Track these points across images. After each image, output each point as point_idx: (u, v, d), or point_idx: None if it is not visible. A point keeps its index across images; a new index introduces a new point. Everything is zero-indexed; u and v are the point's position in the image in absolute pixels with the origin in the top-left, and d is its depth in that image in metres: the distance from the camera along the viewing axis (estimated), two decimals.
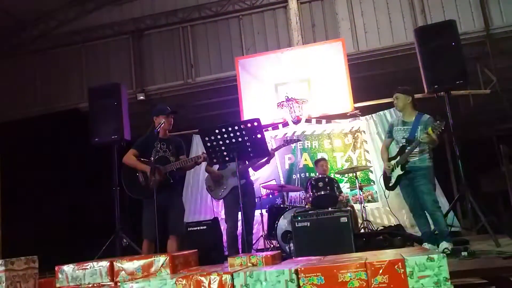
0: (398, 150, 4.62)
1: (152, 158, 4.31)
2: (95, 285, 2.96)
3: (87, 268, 3.01)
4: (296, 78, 7.38)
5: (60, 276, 3.05)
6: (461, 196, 5.14)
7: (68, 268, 3.04)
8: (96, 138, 5.86)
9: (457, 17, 7.18)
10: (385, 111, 7.53)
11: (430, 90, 5.42)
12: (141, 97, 8.28)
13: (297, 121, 7.25)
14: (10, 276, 2.90)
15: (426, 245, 4.38)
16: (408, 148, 4.45)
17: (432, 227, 4.52)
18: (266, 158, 5.08)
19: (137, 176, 4.52)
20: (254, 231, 5.73)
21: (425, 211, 4.47)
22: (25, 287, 2.98)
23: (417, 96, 4.84)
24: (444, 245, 4.23)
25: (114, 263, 3.01)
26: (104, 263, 3.01)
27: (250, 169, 5.29)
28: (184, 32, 8.59)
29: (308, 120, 7.34)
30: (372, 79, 8.02)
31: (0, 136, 8.13)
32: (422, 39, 5.58)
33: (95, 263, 3.02)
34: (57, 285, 3.04)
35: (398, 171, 4.53)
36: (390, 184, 4.69)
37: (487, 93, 7.36)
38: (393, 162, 4.61)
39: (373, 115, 7.55)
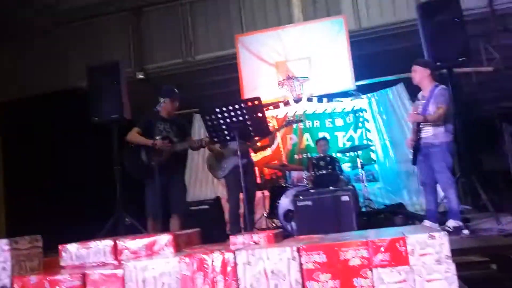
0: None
1: (155, 138, 4.32)
2: (99, 263, 2.99)
3: (91, 247, 3.04)
4: (297, 56, 7.30)
5: (64, 255, 3.08)
6: (462, 174, 5.14)
7: (72, 247, 3.08)
8: (96, 117, 5.85)
9: None
10: (387, 89, 7.50)
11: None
12: (141, 76, 8.20)
13: (298, 100, 7.20)
14: (15, 255, 2.93)
15: (426, 222, 4.37)
16: (421, 124, 4.36)
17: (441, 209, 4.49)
18: (268, 143, 5.09)
19: (139, 154, 4.52)
20: (256, 211, 5.76)
21: (436, 189, 4.44)
22: (30, 266, 3.01)
23: None
24: (451, 223, 4.20)
25: (118, 242, 3.04)
26: (108, 242, 3.04)
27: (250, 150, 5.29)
28: (183, 10, 8.46)
29: (309, 99, 7.30)
30: (374, 56, 7.92)
31: (0, 116, 8.14)
32: (424, 15, 5.51)
33: (99, 242, 3.05)
34: (62, 263, 3.07)
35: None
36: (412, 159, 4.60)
37: (490, 71, 7.29)
38: None
39: (375, 93, 7.51)
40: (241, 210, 4.97)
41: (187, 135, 4.82)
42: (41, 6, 8.57)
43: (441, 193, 4.53)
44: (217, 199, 5.81)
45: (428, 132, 4.36)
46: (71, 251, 3.06)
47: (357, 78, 7.11)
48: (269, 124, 4.37)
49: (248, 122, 3.86)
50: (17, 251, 2.94)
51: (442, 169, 4.30)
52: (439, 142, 4.33)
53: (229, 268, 2.47)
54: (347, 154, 7.06)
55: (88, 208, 6.95)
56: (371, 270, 2.34)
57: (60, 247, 3.11)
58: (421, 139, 4.38)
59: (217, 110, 3.85)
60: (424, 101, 4.43)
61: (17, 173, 7.76)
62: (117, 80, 5.90)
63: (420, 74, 4.48)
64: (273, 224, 6.01)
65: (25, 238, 3.03)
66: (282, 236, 3.17)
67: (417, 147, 4.41)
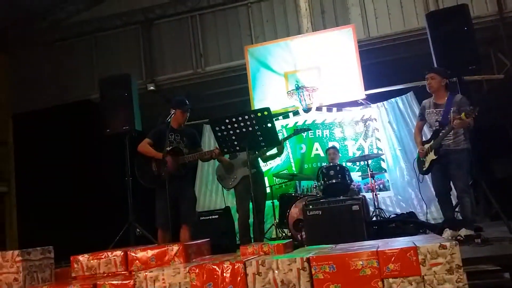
0: (432, 133, 4.49)
1: (166, 149, 4.36)
2: (110, 274, 3.01)
3: (102, 258, 3.07)
4: (306, 66, 7.31)
5: (75, 265, 3.11)
6: (474, 182, 5.08)
7: (83, 258, 3.10)
8: (108, 129, 5.90)
9: (469, 0, 7.03)
10: (397, 98, 7.47)
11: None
12: (152, 88, 8.29)
13: (307, 110, 7.21)
14: (27, 266, 2.96)
15: (447, 231, 4.32)
16: (442, 132, 4.31)
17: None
18: (276, 152, 5.11)
19: (150, 164, 4.56)
20: (266, 220, 5.76)
21: (450, 197, 4.41)
22: (41, 276, 3.04)
23: None
24: (463, 231, 4.17)
25: (128, 252, 3.06)
26: (119, 253, 3.06)
27: (259, 160, 5.30)
28: (193, 21, 8.56)
29: (318, 109, 7.30)
30: (383, 65, 7.93)
31: (13, 128, 8.26)
32: (433, 24, 5.49)
33: (109, 253, 3.07)
34: (73, 274, 3.10)
35: (432, 156, 4.39)
36: (424, 169, 4.54)
37: (501, 78, 7.24)
38: (426, 146, 4.47)
39: (385, 102, 7.49)
40: (251, 220, 4.97)
41: (197, 146, 4.87)
42: (54, 20, 8.73)
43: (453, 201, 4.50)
44: (227, 209, 5.82)
45: (449, 139, 4.34)
46: (82, 262, 3.09)
47: (366, 87, 7.09)
48: (278, 134, 4.38)
49: (258, 132, 3.88)
50: (29, 262, 2.97)
51: (461, 176, 4.27)
52: (460, 149, 4.31)
53: (239, 278, 2.47)
54: (357, 163, 7.03)
55: (99, 219, 7.00)
56: (382, 280, 2.32)
57: (71, 258, 3.14)
58: (442, 146, 4.34)
59: (227, 120, 3.88)
60: (442, 109, 4.39)
61: (29, 185, 7.84)
62: (128, 92, 5.97)
63: (438, 83, 4.45)
64: (283, 234, 5.99)
65: (37, 249, 3.07)
66: (292, 246, 3.17)
67: (438, 154, 4.36)
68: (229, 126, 3.89)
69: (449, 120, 4.28)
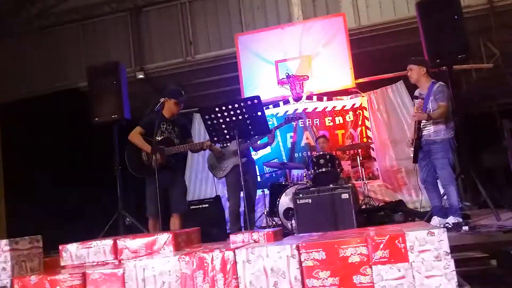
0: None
1: (157, 139, 4.33)
2: (99, 263, 3.00)
3: (91, 247, 3.05)
4: (297, 55, 7.30)
5: (64, 254, 3.09)
6: (462, 171, 5.14)
7: (72, 247, 3.08)
8: (96, 117, 5.85)
9: None
10: (387, 87, 7.48)
11: (432, 64, 5.36)
12: (141, 76, 8.20)
13: (298, 99, 7.21)
14: (15, 255, 2.93)
15: (435, 219, 4.38)
16: (422, 122, 4.37)
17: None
18: (267, 140, 5.11)
19: (141, 154, 4.54)
20: (256, 209, 5.78)
21: (438, 185, 4.46)
22: (30, 266, 3.02)
23: None
24: (451, 219, 4.23)
25: (118, 241, 3.05)
26: (108, 242, 3.04)
27: (251, 149, 5.30)
28: (182, 9, 8.45)
29: (309, 97, 7.30)
30: (373, 54, 7.92)
31: (0, 117, 8.14)
32: (424, 13, 5.50)
33: (98, 242, 3.05)
34: (62, 263, 3.08)
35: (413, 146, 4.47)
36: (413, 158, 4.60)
37: (490, 67, 7.28)
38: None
39: (375, 91, 7.50)
40: (242, 209, 4.98)
41: (188, 136, 4.84)
42: (41, 6, 8.58)
43: (441, 190, 4.55)
44: (217, 198, 5.82)
45: (429, 129, 4.38)
46: (71, 250, 3.07)
47: (357, 76, 7.11)
48: (269, 123, 4.38)
49: (248, 121, 3.86)
50: (17, 251, 2.94)
51: (444, 166, 4.32)
52: (440, 139, 4.36)
53: (228, 266, 2.48)
54: (347, 152, 7.06)
55: (89, 208, 6.96)
56: (370, 267, 2.34)
57: (60, 247, 3.12)
58: (423, 136, 4.38)
59: (217, 109, 3.86)
60: (423, 99, 4.44)
61: (17, 173, 7.76)
62: (117, 80, 5.89)
63: (417, 73, 4.53)
64: (273, 222, 6.01)
65: (25, 239, 3.03)
66: (282, 234, 3.18)
67: (418, 145, 4.41)
68: (219, 115, 3.87)
69: (427, 109, 4.34)
